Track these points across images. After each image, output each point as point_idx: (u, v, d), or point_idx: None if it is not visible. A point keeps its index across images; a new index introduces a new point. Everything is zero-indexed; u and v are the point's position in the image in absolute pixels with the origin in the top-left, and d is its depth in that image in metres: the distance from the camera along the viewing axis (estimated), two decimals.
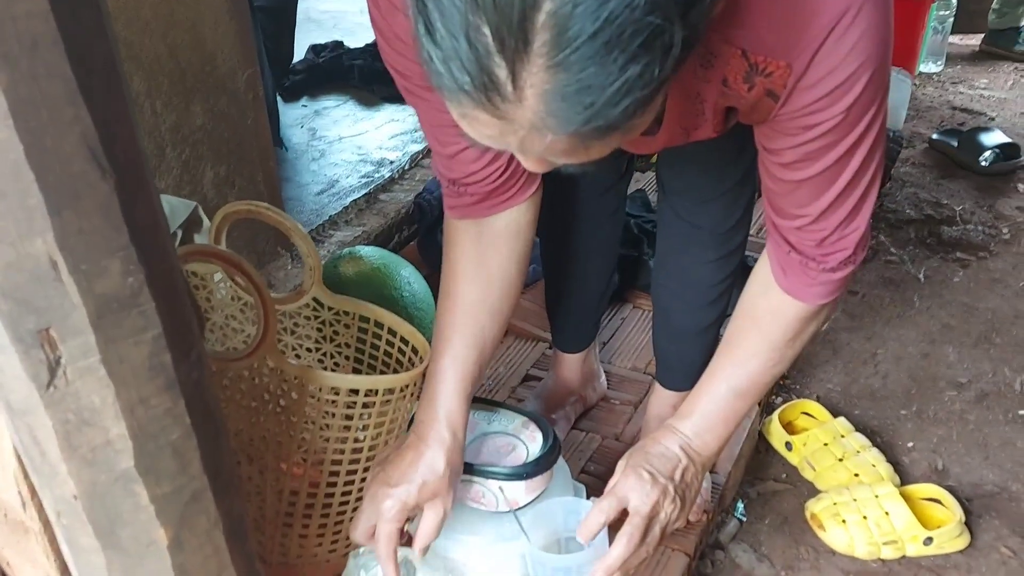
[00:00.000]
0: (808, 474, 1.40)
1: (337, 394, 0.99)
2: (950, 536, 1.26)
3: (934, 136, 2.40)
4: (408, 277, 1.45)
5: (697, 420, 0.97)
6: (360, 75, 2.27)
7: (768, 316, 0.93)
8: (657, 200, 1.26)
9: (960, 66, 3.28)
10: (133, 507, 0.71)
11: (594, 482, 1.32)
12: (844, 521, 1.27)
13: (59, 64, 0.52)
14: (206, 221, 1.18)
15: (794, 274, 0.87)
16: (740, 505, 1.36)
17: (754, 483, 1.41)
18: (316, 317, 1.16)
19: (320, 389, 0.98)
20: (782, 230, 0.86)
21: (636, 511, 0.92)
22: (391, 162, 1.93)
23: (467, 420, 0.98)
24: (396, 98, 2.21)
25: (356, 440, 1.03)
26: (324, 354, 1.18)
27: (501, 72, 0.53)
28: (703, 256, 1.21)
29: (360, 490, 1.08)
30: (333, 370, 1.19)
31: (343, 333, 1.16)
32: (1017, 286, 1.86)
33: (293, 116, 2.14)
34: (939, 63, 3.26)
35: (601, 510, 0.92)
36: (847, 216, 0.81)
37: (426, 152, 2.00)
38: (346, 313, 1.14)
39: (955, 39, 3.55)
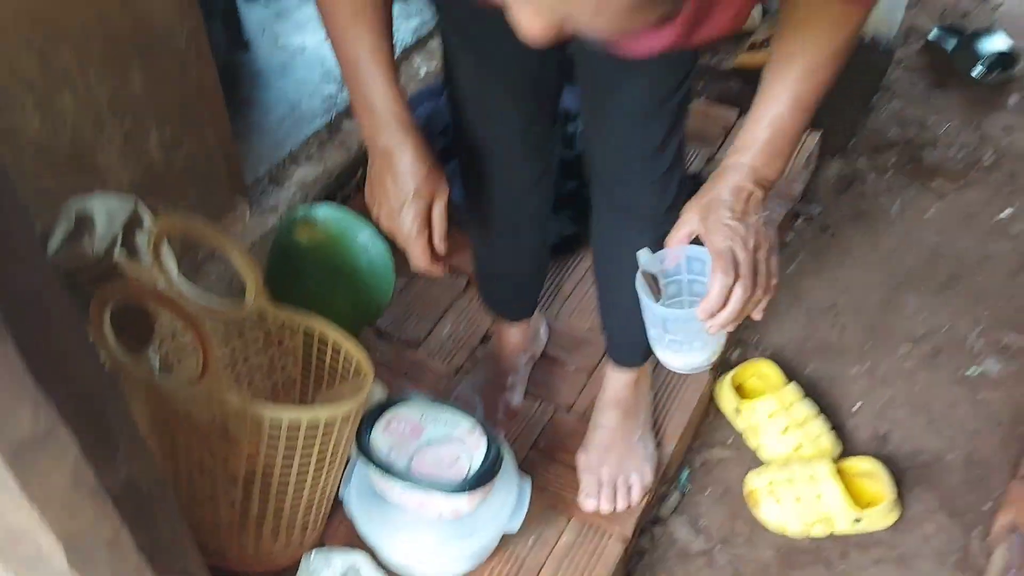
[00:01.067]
0: (752, 442, 1.45)
1: (279, 425, 1.01)
2: (880, 515, 1.33)
3: (932, 35, 2.28)
4: (365, 243, 1.42)
5: (764, 147, 0.90)
6: None
7: (828, 26, 0.86)
8: (590, 185, 1.22)
9: None
10: None
11: (543, 458, 1.37)
12: (779, 500, 1.34)
13: None
14: (147, 217, 1.15)
15: None
16: (684, 475, 1.43)
17: (700, 450, 1.47)
18: (261, 326, 1.16)
19: (263, 420, 1.00)
20: None
21: (742, 262, 0.87)
22: None
23: (406, 99, 0.97)
24: None
25: (303, 459, 1.06)
26: (271, 358, 1.19)
27: None
28: (641, 241, 1.19)
29: (309, 492, 1.13)
30: (280, 376, 1.21)
31: (287, 342, 1.16)
32: (990, 222, 1.84)
33: (254, 19, 2.02)
34: None
35: (723, 283, 0.85)
36: None
37: None
38: (291, 323, 1.14)
39: None
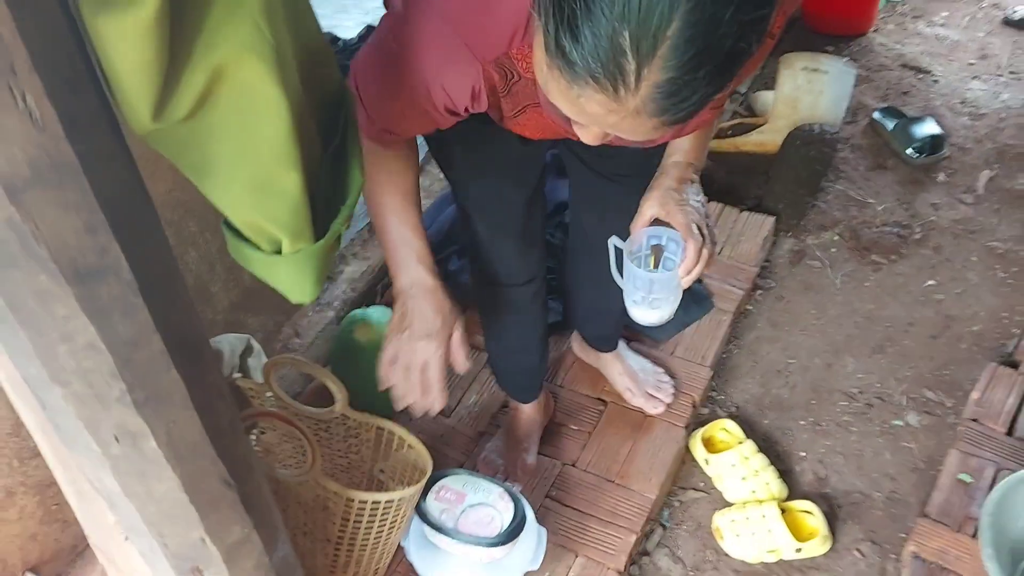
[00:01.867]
0: (719, 486, 1.84)
1: (364, 502, 1.39)
2: (816, 545, 1.71)
3: (875, 115, 2.66)
4: None
5: (691, 148, 1.24)
6: None
7: None
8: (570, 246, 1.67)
9: None
10: None
11: (555, 505, 1.75)
12: (738, 535, 1.72)
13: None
14: (256, 346, 1.53)
15: None
16: (665, 513, 1.81)
17: (677, 493, 1.85)
18: (344, 423, 1.54)
19: (352, 499, 1.38)
20: None
21: (703, 229, 1.20)
22: None
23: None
24: None
25: (380, 524, 1.44)
26: (350, 445, 1.57)
27: (630, 67, 0.72)
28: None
29: (382, 546, 1.51)
30: (356, 457, 1.59)
31: (364, 434, 1.54)
32: (917, 291, 2.22)
33: None
34: None
35: (695, 246, 1.18)
36: None
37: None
38: (367, 422, 1.53)
39: None
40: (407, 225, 1.23)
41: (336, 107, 0.84)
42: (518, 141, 1.29)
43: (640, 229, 1.24)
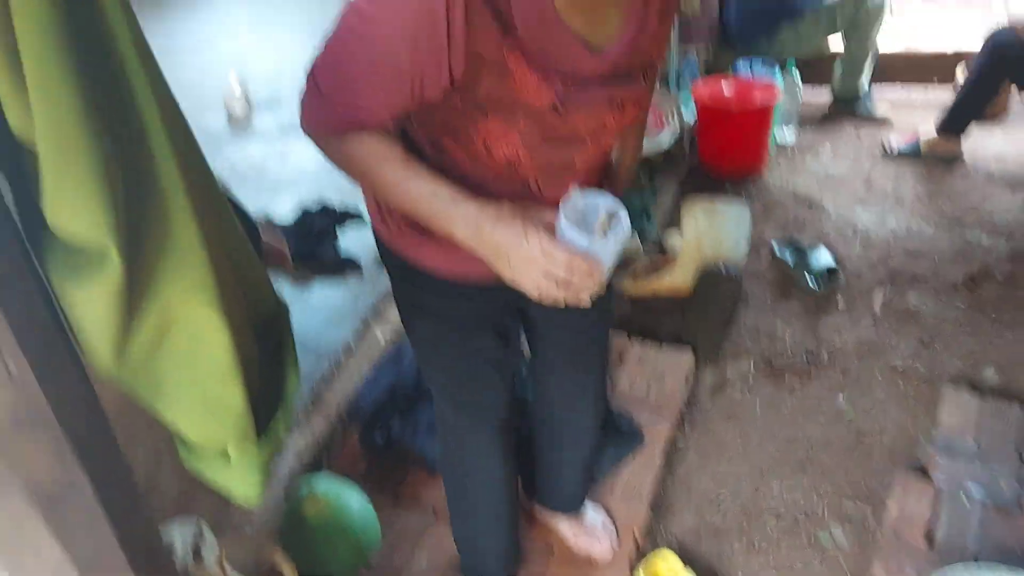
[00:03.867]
0: None
1: None
2: None
3: (775, 250, 2.90)
4: (358, 508, 1.90)
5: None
6: (292, 256, 2.66)
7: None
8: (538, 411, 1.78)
9: (811, 130, 3.79)
10: None
11: None
12: None
13: None
14: (207, 532, 1.60)
15: None
16: None
17: None
18: None
19: None
20: None
21: None
22: (328, 354, 2.35)
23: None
24: (326, 271, 2.61)
25: None
26: None
27: None
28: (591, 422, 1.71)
29: None
30: None
31: None
32: (830, 411, 2.39)
33: None
34: (791, 133, 3.76)
35: None
36: None
37: (355, 340, 2.42)
38: None
39: (807, 90, 4.00)
40: (421, 179, 1.13)
41: (272, 316, 0.98)
42: (493, 303, 1.41)
43: (576, 190, 1.14)
